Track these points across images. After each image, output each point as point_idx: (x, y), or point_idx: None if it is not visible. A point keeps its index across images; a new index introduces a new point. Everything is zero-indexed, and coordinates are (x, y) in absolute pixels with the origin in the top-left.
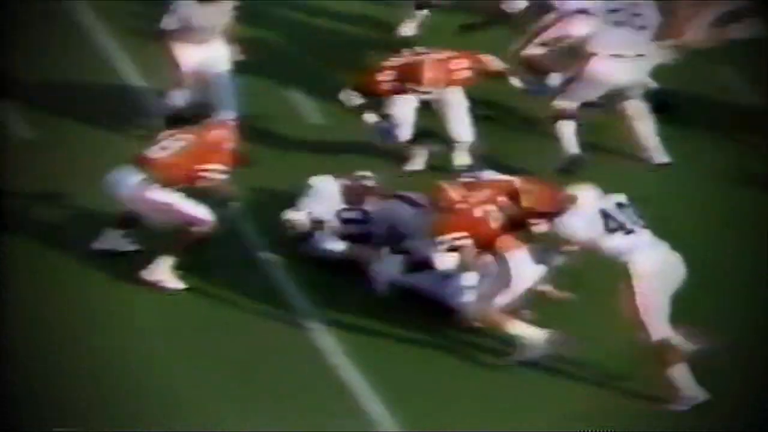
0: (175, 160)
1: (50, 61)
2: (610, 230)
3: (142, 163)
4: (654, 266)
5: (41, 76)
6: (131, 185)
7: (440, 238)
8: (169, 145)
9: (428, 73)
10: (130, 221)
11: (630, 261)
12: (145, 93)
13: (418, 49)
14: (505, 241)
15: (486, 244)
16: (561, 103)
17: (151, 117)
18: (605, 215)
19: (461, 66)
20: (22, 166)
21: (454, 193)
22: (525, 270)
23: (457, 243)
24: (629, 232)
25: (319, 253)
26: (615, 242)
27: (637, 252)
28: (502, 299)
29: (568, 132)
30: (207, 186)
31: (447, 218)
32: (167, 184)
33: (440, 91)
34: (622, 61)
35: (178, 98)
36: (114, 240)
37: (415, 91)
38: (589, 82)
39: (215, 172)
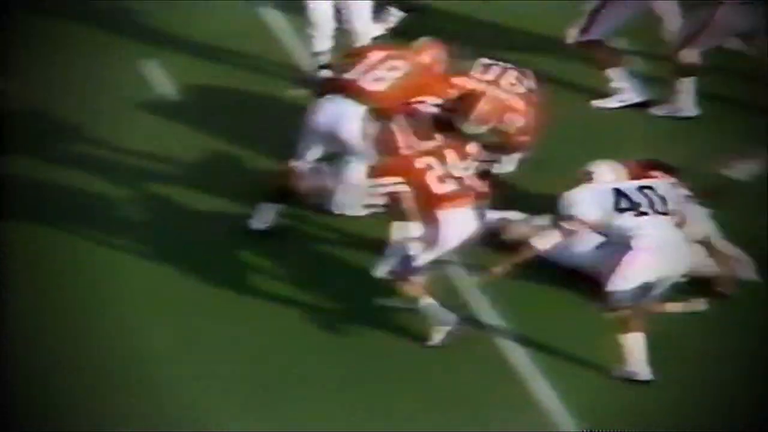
0: (393, 93)
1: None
2: (620, 210)
3: (357, 93)
4: (653, 243)
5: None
6: (354, 116)
7: (376, 182)
8: (384, 76)
9: None
10: (286, 195)
11: (633, 236)
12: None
13: None
14: (445, 198)
15: (424, 199)
16: (686, 55)
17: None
18: (618, 194)
19: None
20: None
21: (401, 137)
22: (455, 230)
23: (393, 189)
24: (641, 213)
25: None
26: (622, 221)
27: (643, 230)
28: (424, 258)
29: (688, 89)
30: (420, 116)
31: (387, 162)
32: (380, 118)
33: None
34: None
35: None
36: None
37: None
38: (716, 30)
39: (430, 105)
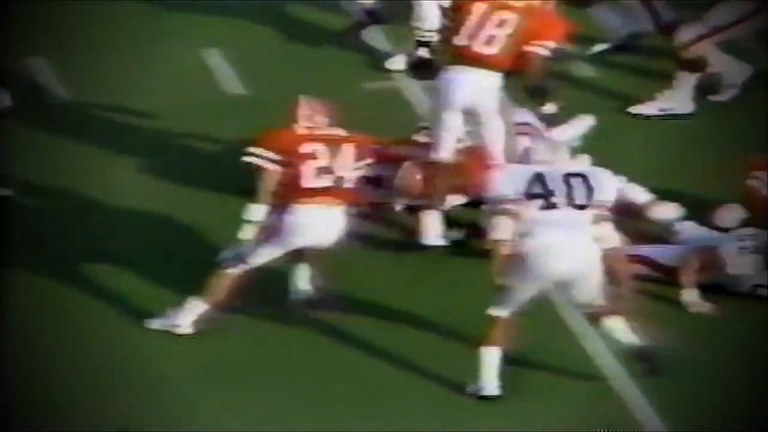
0: (509, 52)
1: None
2: (529, 195)
3: (475, 60)
4: (540, 247)
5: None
6: (482, 84)
7: (252, 148)
8: (496, 34)
9: None
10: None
11: (527, 234)
12: None
13: None
14: (310, 193)
15: (288, 186)
16: (698, 50)
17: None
18: (537, 178)
19: None
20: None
21: (316, 116)
22: (303, 228)
23: (263, 163)
24: (550, 206)
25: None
26: (528, 212)
27: (538, 228)
28: (261, 252)
29: (688, 85)
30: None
31: (277, 132)
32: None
33: None
34: None
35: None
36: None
37: None
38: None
39: (545, 48)
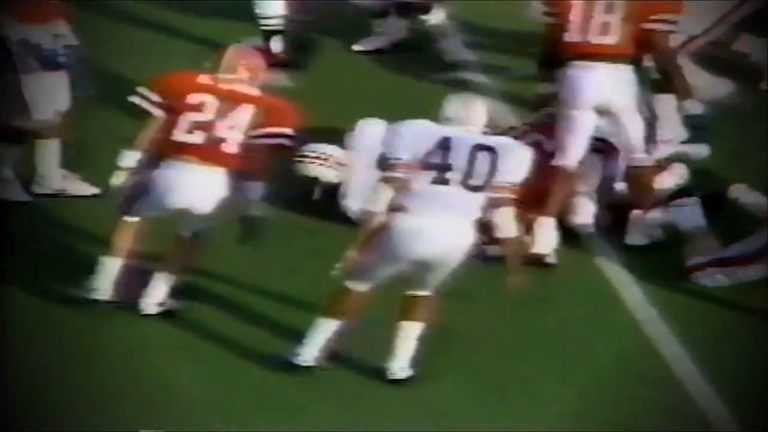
0: (627, 37)
1: None
2: (424, 164)
3: (596, 54)
4: (408, 227)
5: None
6: (614, 80)
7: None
8: (609, 20)
9: None
10: None
11: (400, 209)
12: None
13: None
14: (180, 148)
15: (162, 138)
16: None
17: None
18: (442, 144)
19: None
20: None
21: (242, 67)
22: (171, 187)
23: (146, 105)
24: (442, 181)
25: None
26: (416, 183)
27: (410, 208)
28: (138, 205)
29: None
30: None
31: (171, 75)
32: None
33: None
34: None
35: None
36: None
37: None
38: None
39: (667, 23)
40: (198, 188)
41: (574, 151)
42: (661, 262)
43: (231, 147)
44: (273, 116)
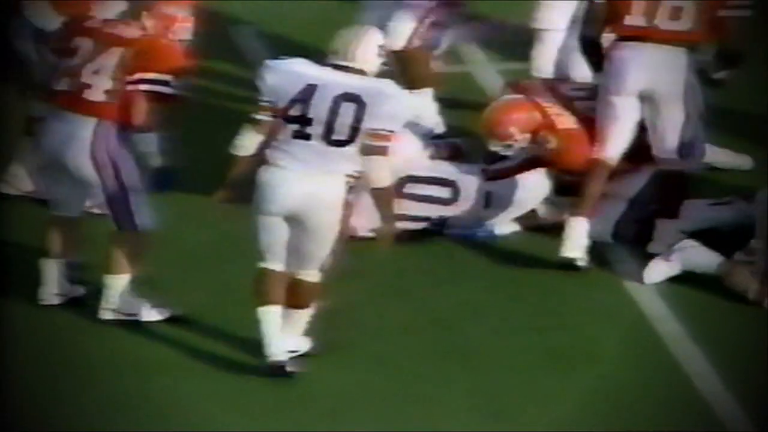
0: (703, 24)
1: None
2: (287, 117)
3: (659, 38)
4: (270, 178)
5: None
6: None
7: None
8: (682, 4)
9: None
10: None
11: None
12: None
13: None
14: (53, 95)
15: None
16: None
17: None
18: (303, 94)
19: None
20: None
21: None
22: (50, 138)
23: (63, 45)
24: (302, 135)
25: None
26: (281, 134)
27: (275, 159)
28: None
29: None
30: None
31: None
32: None
33: None
34: None
35: None
36: None
37: None
38: None
39: (741, 9)
40: (68, 141)
41: (615, 143)
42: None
43: (96, 94)
44: (148, 60)
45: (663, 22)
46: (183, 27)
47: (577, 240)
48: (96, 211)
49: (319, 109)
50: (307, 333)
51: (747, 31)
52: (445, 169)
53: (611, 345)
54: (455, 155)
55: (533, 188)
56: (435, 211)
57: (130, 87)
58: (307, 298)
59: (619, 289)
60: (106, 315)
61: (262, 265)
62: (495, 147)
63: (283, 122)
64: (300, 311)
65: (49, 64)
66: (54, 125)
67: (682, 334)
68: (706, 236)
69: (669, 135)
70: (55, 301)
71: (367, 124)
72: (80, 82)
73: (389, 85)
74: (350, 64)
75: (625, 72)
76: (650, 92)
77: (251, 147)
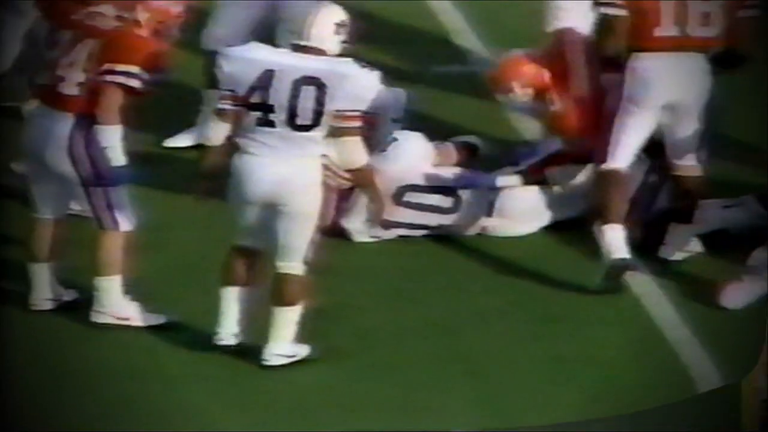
0: (727, 28)
1: None
2: (245, 102)
3: (688, 46)
4: (242, 165)
5: None
6: (689, 72)
7: None
8: (710, 10)
9: None
10: None
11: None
12: None
13: None
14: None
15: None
16: None
17: None
18: (262, 79)
19: None
20: None
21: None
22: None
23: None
24: (267, 123)
25: None
26: (245, 122)
27: (245, 146)
28: None
29: None
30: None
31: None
32: None
33: None
34: None
35: None
36: None
37: None
38: None
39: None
40: (46, 137)
41: (626, 153)
42: (697, 278)
43: (69, 87)
44: (117, 51)
45: (694, 29)
46: (176, 22)
47: (617, 242)
48: (85, 213)
49: (279, 95)
50: (305, 337)
51: (757, 32)
52: (449, 177)
53: (618, 351)
54: (471, 154)
55: (537, 200)
56: (434, 220)
57: (98, 78)
58: (293, 293)
59: (627, 295)
60: (98, 318)
61: (233, 243)
62: (499, 98)
63: (246, 110)
64: (288, 309)
65: (39, 58)
66: (34, 121)
67: (691, 340)
68: (717, 238)
69: (688, 142)
70: (47, 306)
71: (330, 106)
72: (55, 75)
73: (349, 65)
74: (307, 44)
75: (652, 84)
76: (675, 103)
77: (218, 137)
